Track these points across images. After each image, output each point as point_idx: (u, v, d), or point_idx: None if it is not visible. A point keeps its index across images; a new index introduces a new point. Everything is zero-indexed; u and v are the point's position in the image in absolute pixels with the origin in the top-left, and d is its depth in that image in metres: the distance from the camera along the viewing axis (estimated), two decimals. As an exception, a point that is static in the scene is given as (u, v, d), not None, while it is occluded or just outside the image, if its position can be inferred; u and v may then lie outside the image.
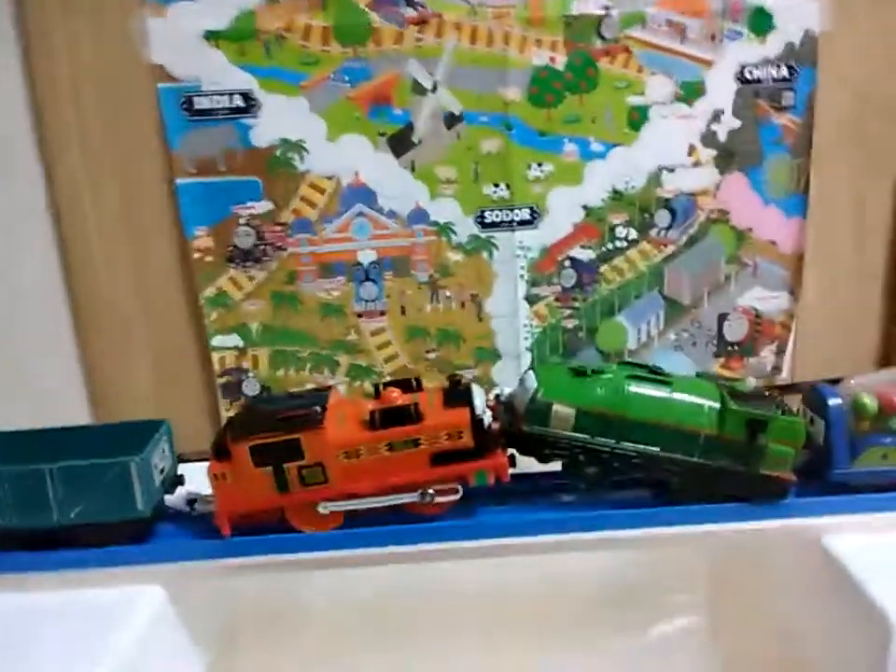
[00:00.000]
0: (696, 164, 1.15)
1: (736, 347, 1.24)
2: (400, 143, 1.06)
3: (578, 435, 0.58)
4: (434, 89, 1.05)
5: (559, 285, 1.17)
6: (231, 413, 1.12)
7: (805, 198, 1.18)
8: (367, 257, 1.10)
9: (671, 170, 1.14)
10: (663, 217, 1.17)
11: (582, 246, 1.16)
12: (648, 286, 1.20)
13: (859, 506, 0.57)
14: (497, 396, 0.66)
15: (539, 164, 1.11)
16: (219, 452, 0.60)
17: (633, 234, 1.17)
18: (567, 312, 1.19)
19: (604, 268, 1.17)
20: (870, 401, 0.59)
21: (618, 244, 1.17)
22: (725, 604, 0.60)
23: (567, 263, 1.17)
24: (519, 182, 1.11)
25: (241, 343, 1.10)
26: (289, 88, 1.01)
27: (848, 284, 1.23)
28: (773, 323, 1.24)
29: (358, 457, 0.58)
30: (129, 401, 1.05)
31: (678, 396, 0.59)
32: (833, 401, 0.59)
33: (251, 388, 1.12)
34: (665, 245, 1.18)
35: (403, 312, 1.13)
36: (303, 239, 1.08)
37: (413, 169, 1.08)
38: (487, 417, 0.59)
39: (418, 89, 1.05)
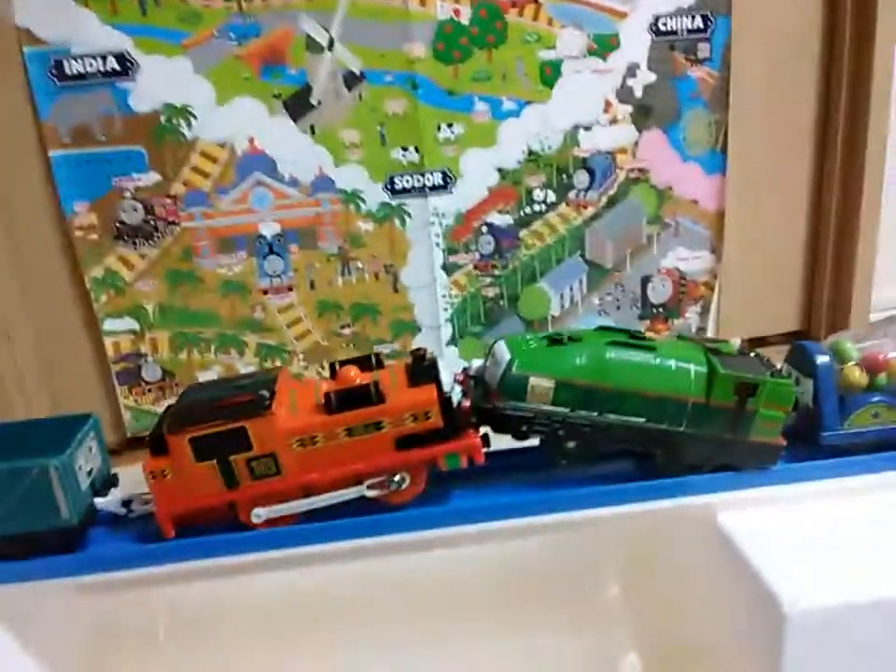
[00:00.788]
0: (613, 122, 1.11)
1: (661, 309, 1.22)
2: (298, 105, 0.99)
3: (557, 409, 0.54)
4: (330, 46, 0.97)
5: (477, 252, 1.12)
6: (129, 400, 1.05)
7: (725, 154, 1.15)
8: (269, 229, 1.03)
9: (587, 128, 1.10)
10: (581, 178, 1.13)
11: (500, 211, 1.11)
12: (569, 250, 1.16)
13: (753, 481, 0.53)
14: (465, 370, 0.61)
15: (450, 125, 1.05)
16: (156, 446, 0.54)
17: (551, 197, 1.12)
18: (487, 280, 1.14)
19: (523, 233, 1.13)
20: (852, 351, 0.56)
21: (536, 207, 1.12)
22: (633, 586, 0.57)
23: (485, 229, 1.12)
24: (429, 145, 1.05)
25: (136, 327, 1.03)
26: (169, 47, 0.93)
27: (771, 240, 1.21)
28: (696, 283, 1.21)
29: (314, 444, 0.53)
30: (15, 394, 0.97)
31: (662, 362, 0.54)
32: (821, 359, 0.55)
33: (151, 374, 1.05)
34: (585, 207, 1.14)
35: (313, 286, 1.07)
36: (198, 212, 1.01)
37: (312, 133, 1.01)
38: (456, 394, 0.55)
39: (313, 46, 0.97)
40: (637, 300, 1.20)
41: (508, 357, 0.55)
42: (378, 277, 1.09)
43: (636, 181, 1.14)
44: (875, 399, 0.55)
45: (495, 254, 1.13)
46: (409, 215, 1.08)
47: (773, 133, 1.15)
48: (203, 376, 1.07)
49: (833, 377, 0.55)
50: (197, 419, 0.53)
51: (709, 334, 1.24)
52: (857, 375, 0.55)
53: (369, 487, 0.55)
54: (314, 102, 0.99)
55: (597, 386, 0.53)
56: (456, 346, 1.15)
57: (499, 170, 1.09)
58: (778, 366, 0.58)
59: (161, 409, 1.05)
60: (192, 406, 0.55)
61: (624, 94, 1.10)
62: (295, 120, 1.00)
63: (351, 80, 1.00)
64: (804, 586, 0.45)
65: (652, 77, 1.09)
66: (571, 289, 1.18)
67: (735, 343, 0.60)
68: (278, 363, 1.08)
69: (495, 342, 0.60)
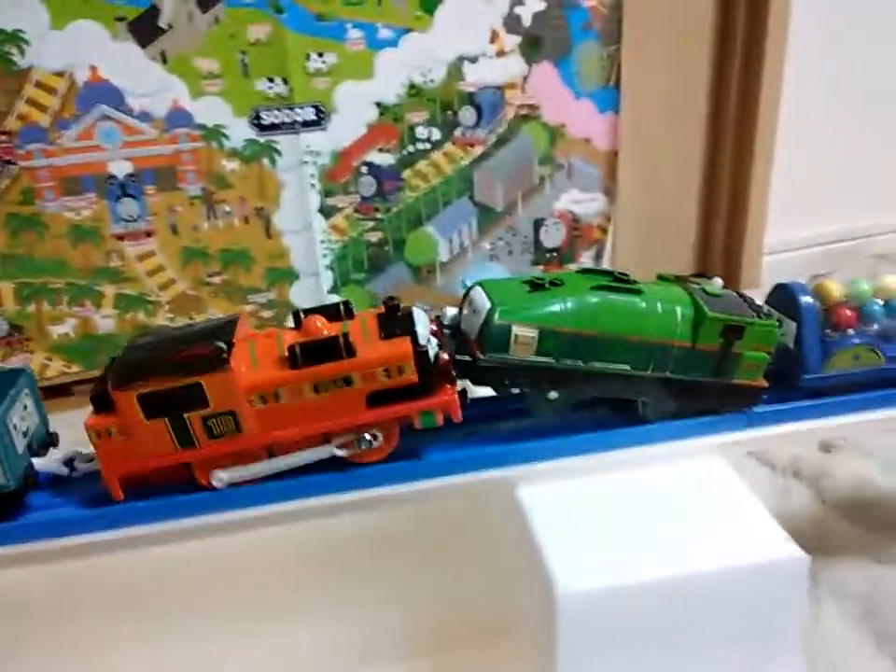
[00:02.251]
0: (500, 54, 1.04)
1: (555, 254, 1.18)
2: (144, 29, 0.89)
3: (543, 359, 0.50)
4: (177, -39, 0.87)
5: (357, 194, 1.05)
6: None
7: (618, 90, 1.10)
8: (120, 168, 0.94)
9: (473, 60, 1.03)
10: (468, 115, 1.06)
11: (380, 150, 1.04)
12: (457, 192, 1.10)
13: (552, 451, 0.50)
14: (438, 319, 0.56)
15: (321, 55, 0.97)
16: (100, 402, 0.48)
17: (436, 135, 1.05)
18: (370, 224, 1.08)
19: (406, 173, 1.06)
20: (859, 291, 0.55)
21: (420, 146, 1.06)
22: (432, 564, 0.53)
23: (365, 169, 1.05)
24: (298, 76, 0.97)
25: (-27, 278, 0.94)
26: (-16, -40, 0.82)
27: (666, 181, 1.17)
28: (591, 227, 1.18)
29: (277, 401, 0.48)
30: None
31: (649, 306, 0.52)
32: (805, 300, 0.54)
33: (-5, 329, 0.96)
34: (473, 146, 1.08)
35: (175, 231, 0.99)
36: (37, 150, 0.91)
37: (164, 61, 0.91)
38: (433, 347, 0.50)
39: (156, -40, 0.87)
40: (529, 244, 1.16)
41: (488, 305, 0.51)
42: (248, 221, 1.02)
43: (526, 119, 1.08)
44: (856, 341, 0.55)
45: (377, 196, 1.06)
46: (279, 153, 1.00)
47: (668, 69, 1.11)
48: (57, 330, 0.98)
49: (816, 319, 0.54)
50: (146, 373, 0.47)
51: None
52: (845, 316, 0.55)
53: (338, 447, 0.50)
54: (163, 25, 0.90)
55: (583, 334, 0.50)
56: (338, 294, 1.09)
57: (378, 105, 1.02)
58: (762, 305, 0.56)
59: (9, 366, 0.98)
60: (141, 359, 0.49)
61: (512, 23, 1.03)
62: (143, 46, 0.90)
63: (205, 1, 0.90)
64: (581, 567, 0.42)
65: (542, 5, 1.02)
66: (460, 234, 1.13)
67: (718, 282, 0.58)
68: (141, 315, 1.01)
69: (470, 287, 0.55)
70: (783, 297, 0.56)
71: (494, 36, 1.03)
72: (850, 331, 0.55)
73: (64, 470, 0.55)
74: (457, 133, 1.06)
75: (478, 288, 0.53)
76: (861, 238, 1.23)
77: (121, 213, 0.96)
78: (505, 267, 1.16)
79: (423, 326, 0.50)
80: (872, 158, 1.26)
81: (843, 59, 1.20)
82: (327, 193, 1.04)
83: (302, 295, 1.08)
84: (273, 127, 0.98)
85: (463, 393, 0.50)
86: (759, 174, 1.15)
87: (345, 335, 0.48)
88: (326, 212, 1.05)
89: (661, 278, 0.58)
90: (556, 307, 0.50)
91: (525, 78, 1.06)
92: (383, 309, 0.52)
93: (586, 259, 1.19)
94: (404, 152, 1.05)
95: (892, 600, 0.65)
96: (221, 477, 0.50)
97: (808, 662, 0.61)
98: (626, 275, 0.54)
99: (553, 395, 0.52)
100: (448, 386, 0.50)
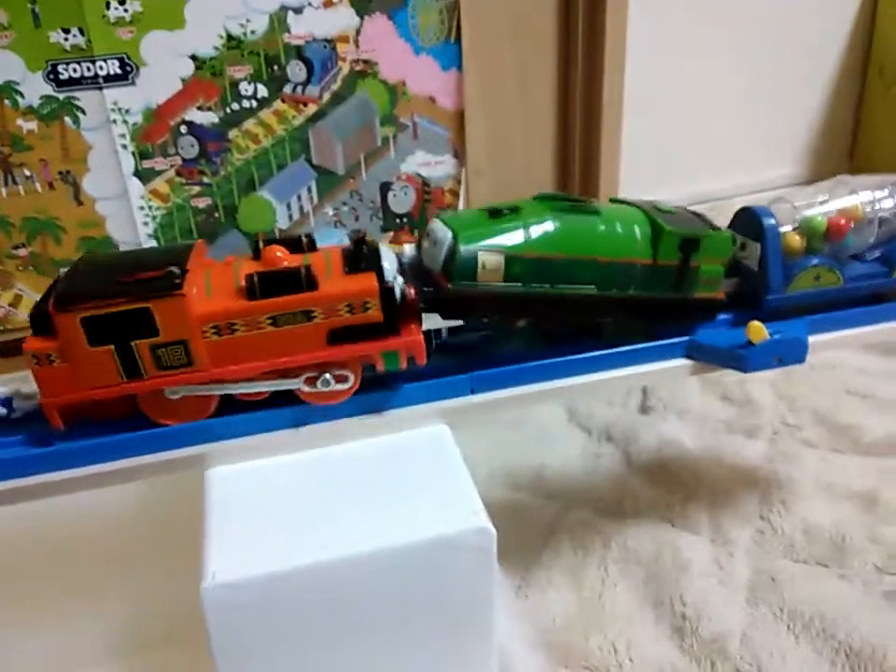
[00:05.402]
0: (329, 4, 0.97)
1: (405, 219, 1.13)
2: None
3: (511, 285, 0.48)
4: None
5: (178, 156, 0.98)
6: None
7: (460, 45, 1.04)
8: None
9: (298, 10, 0.96)
10: (297, 70, 0.99)
11: (200, 108, 0.97)
12: (291, 153, 1.03)
13: (250, 428, 0.45)
14: (398, 256, 0.52)
15: (122, 2, 0.88)
16: (40, 324, 0.44)
17: (262, 91, 0.99)
18: (196, 189, 1.00)
19: (233, 133, 0.99)
20: (820, 221, 0.57)
21: (245, 103, 0.99)
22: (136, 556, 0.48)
23: (184, 129, 0.97)
24: (98, 25, 0.88)
25: None
26: None
27: (517, 141, 1.13)
28: (442, 191, 1.12)
29: (233, 333, 0.45)
30: None
31: (609, 226, 0.51)
32: (768, 221, 0.55)
33: None
34: (305, 104, 1.01)
35: (-34, 198, 0.90)
36: None
37: (-69, 6, 0.82)
38: (399, 284, 0.47)
39: None
40: (377, 209, 1.10)
41: (450, 234, 0.48)
42: (53, 187, 0.93)
43: (362, 75, 1.02)
44: (815, 262, 0.56)
45: (200, 158, 0.99)
46: (82, 110, 0.91)
47: (510, 22, 1.06)
48: None
49: (779, 240, 0.56)
50: (92, 295, 0.43)
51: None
52: (797, 240, 0.56)
53: (304, 382, 0.47)
54: (-74, -35, 0.80)
55: (548, 257, 0.49)
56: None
57: (193, 58, 0.94)
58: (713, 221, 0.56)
59: None
60: (87, 279, 0.45)
61: (338, -29, 0.96)
62: None
63: (-23, -60, 0.81)
64: (238, 556, 0.37)
65: (368, -47, 0.96)
66: (299, 199, 1.06)
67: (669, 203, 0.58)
68: (-67, 291, 0.92)
69: (431, 222, 0.53)
70: (746, 220, 0.57)
71: (319, -15, 0.96)
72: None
73: (2, 411, 0.50)
74: (287, 89, 0.99)
75: (437, 221, 0.51)
76: (715, 201, 1.22)
77: None
78: (349, 232, 1.10)
79: (389, 262, 0.48)
80: (720, 121, 1.24)
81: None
82: (143, 155, 0.96)
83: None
84: (73, 82, 0.90)
85: (427, 335, 0.48)
86: (609, 126, 1.11)
87: (307, 267, 0.45)
88: (143, 175, 0.97)
89: (613, 201, 0.58)
90: (520, 232, 0.49)
91: (359, 31, 1.00)
92: (351, 244, 0.49)
93: (439, 225, 1.14)
94: (228, 110, 0.98)
95: (675, 565, 0.63)
96: (176, 391, 0.46)
97: (586, 627, 0.58)
98: (581, 198, 0.54)
99: (521, 323, 0.53)
100: (414, 326, 0.47)
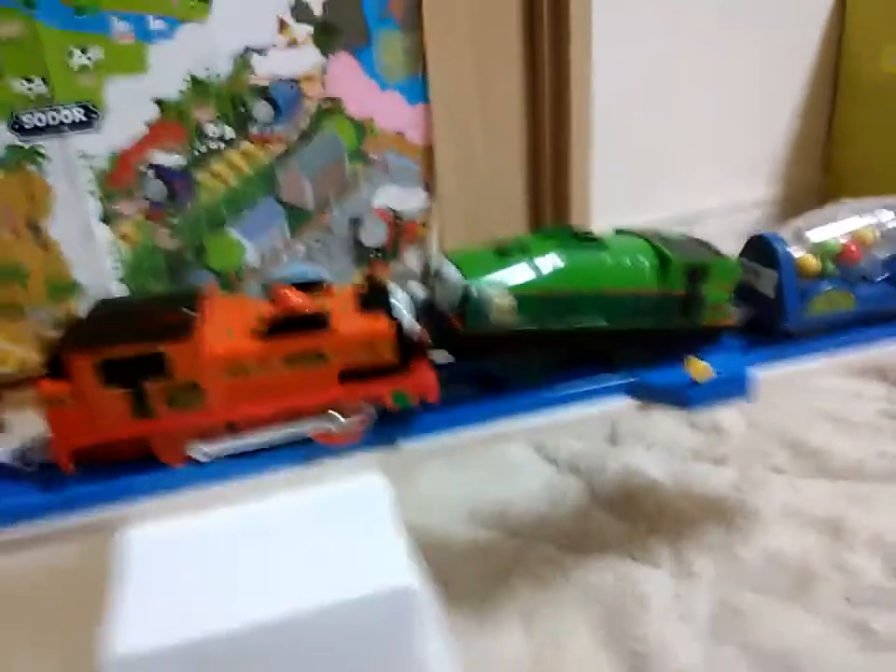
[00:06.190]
0: (292, 44, 0.98)
1: (378, 253, 1.13)
2: None
3: (524, 323, 0.49)
4: None
5: (145, 199, 0.99)
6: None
7: (427, 80, 1.05)
8: None
9: (261, 52, 0.97)
10: (262, 110, 1.00)
11: (166, 151, 0.97)
12: (261, 192, 1.04)
13: (165, 485, 0.44)
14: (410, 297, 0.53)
15: (84, 50, 0.89)
16: (54, 368, 0.44)
17: (229, 132, 0.99)
18: (164, 230, 1.01)
19: (200, 175, 1.00)
20: (834, 244, 0.58)
21: (212, 145, 0.99)
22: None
23: (151, 172, 0.98)
24: (60, 74, 0.89)
25: None
26: None
27: (486, 171, 1.13)
28: (414, 223, 1.13)
29: (247, 375, 0.45)
30: None
31: (616, 259, 0.52)
32: (782, 248, 0.56)
33: None
34: (273, 143, 1.02)
35: (-68, 248, 0.91)
36: None
37: None
38: (412, 324, 0.48)
39: None
40: (349, 245, 1.11)
41: (462, 278, 0.49)
42: (19, 234, 0.94)
43: (329, 113, 1.03)
44: (829, 286, 0.57)
45: (168, 200, 1.00)
46: (45, 157, 0.92)
47: (476, 55, 1.06)
48: None
49: (794, 266, 0.56)
50: (107, 339, 0.44)
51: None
52: (813, 262, 0.57)
53: (313, 426, 0.47)
54: None
55: (558, 293, 0.50)
56: (136, 307, 1.02)
57: (158, 102, 0.95)
58: (718, 248, 0.57)
59: None
60: (101, 323, 0.46)
61: (300, 12, 0.97)
62: None
63: (-64, -5, 0.82)
64: (141, 626, 0.36)
65: (331, -7, 0.97)
66: (270, 236, 1.07)
67: (674, 229, 0.59)
68: None
69: (439, 263, 0.53)
70: (759, 247, 0.58)
71: (282, 26, 0.97)
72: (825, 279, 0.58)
73: (18, 463, 0.49)
74: (254, 129, 1.00)
75: (446, 262, 0.51)
76: (685, 224, 1.22)
77: None
78: (326, 268, 1.11)
79: (402, 302, 0.49)
80: (691, 140, 1.25)
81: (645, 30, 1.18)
82: (109, 199, 0.97)
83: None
84: (38, 130, 0.91)
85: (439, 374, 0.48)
86: (578, 152, 1.12)
87: (321, 309, 0.46)
88: (110, 219, 0.97)
89: (618, 232, 0.58)
90: (530, 271, 0.49)
91: (324, 70, 1.01)
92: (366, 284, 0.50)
93: (411, 256, 1.15)
94: (194, 152, 0.99)
95: (634, 601, 0.62)
96: (207, 452, 0.46)
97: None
98: (584, 232, 0.54)
99: (535, 360, 0.53)
100: (424, 366, 0.48)
